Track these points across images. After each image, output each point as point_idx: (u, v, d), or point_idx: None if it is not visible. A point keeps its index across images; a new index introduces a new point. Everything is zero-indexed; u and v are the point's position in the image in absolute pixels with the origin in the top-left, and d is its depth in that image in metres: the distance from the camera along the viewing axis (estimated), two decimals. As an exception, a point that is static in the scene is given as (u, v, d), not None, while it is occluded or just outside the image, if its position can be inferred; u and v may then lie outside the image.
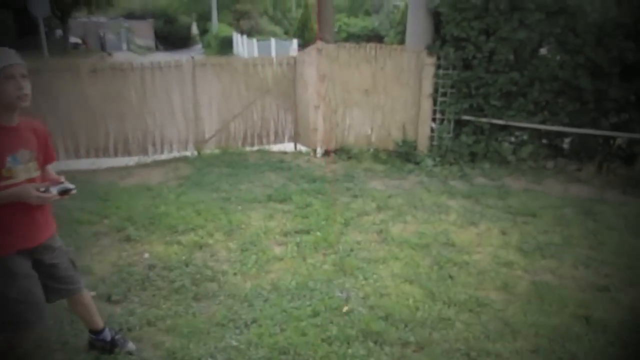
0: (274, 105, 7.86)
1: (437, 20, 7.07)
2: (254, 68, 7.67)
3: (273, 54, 19.06)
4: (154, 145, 7.29)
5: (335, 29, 18.44)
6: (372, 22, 23.17)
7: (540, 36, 6.61)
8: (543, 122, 6.81)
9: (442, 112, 7.17)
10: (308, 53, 7.41)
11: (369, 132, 7.51)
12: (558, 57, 6.60)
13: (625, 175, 6.45)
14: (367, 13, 29.62)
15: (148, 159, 7.20)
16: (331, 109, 7.30)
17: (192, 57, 7.30)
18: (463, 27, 6.75)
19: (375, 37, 20.53)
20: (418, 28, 7.25)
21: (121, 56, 32.47)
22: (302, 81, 7.56)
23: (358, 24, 23.17)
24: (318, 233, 4.53)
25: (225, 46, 27.83)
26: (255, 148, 7.81)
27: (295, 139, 8.08)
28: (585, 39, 6.39)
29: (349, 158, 7.22)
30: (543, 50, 6.89)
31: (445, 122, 7.16)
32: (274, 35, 25.63)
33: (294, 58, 7.84)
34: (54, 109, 6.68)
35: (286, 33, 29.37)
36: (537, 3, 6.43)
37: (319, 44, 7.16)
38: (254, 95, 7.66)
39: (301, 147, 7.97)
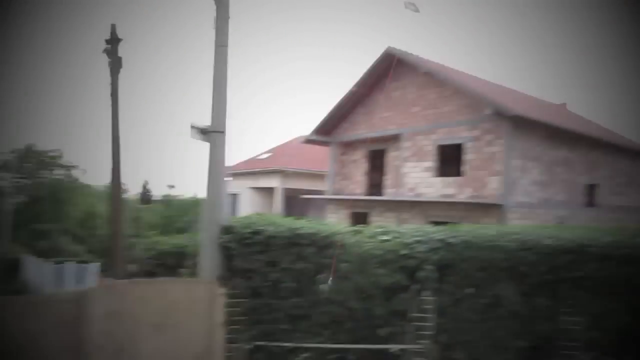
0: None
1: (227, 253, 7.77)
2: None
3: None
4: None
5: (146, 247, 18.51)
6: (184, 241, 23.90)
7: (315, 266, 7.69)
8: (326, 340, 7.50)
9: (235, 341, 7.37)
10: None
11: (163, 368, 7.18)
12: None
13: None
14: (180, 231, 30.52)
15: None
16: None
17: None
18: (251, 260, 7.53)
19: (189, 255, 20.90)
20: (211, 261, 7.81)
21: None
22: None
23: (169, 242, 23.67)
24: None
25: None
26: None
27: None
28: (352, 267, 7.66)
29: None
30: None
31: (240, 349, 7.32)
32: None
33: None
34: None
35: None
36: (308, 238, 7.64)
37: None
38: None
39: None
